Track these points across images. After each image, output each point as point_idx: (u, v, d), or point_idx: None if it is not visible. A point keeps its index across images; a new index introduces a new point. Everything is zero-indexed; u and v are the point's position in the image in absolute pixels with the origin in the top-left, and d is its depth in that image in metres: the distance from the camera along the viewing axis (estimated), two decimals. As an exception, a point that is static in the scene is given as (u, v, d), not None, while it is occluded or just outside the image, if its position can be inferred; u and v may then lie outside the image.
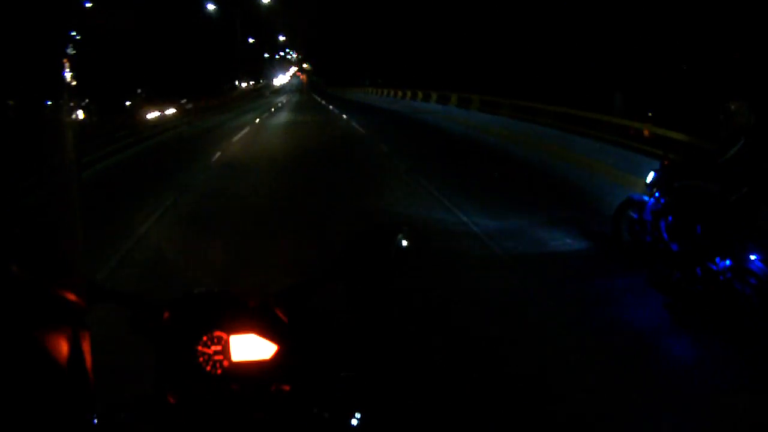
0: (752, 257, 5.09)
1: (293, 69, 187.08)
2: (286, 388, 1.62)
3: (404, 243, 1.83)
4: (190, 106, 36.64)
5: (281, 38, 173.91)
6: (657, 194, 6.62)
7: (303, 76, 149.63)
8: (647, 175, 6.97)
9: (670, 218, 6.31)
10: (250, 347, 1.64)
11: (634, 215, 7.08)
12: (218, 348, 1.64)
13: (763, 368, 4.56)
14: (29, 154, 1.04)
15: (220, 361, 1.64)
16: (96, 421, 1.16)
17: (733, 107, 5.64)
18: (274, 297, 1.75)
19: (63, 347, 1.00)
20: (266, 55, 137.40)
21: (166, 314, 1.69)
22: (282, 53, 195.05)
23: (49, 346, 0.97)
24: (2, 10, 0.95)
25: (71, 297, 1.07)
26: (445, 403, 4.13)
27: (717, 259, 5.43)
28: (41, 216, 1.07)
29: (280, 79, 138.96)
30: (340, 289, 1.84)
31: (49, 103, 1.09)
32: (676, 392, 4.28)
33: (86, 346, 1.07)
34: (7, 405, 0.87)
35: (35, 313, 0.97)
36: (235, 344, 1.63)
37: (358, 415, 1.69)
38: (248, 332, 1.64)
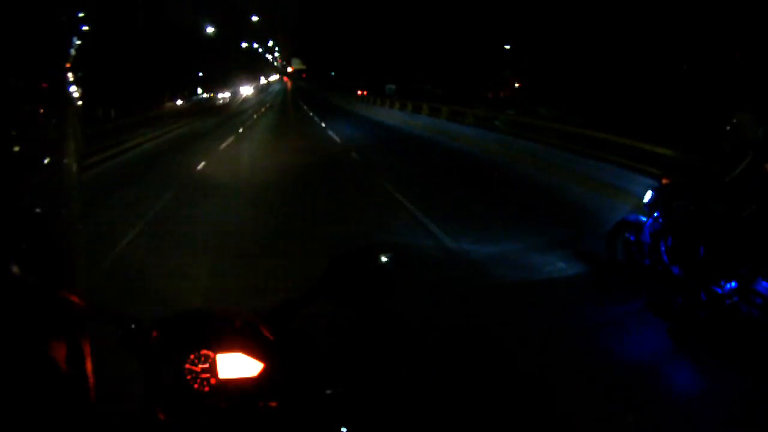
0: (759, 278, 4.95)
1: (275, 77, 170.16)
2: (273, 404, 1.66)
3: (388, 264, 1.83)
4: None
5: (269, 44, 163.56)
6: (656, 214, 6.43)
7: (287, 79, 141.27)
8: (644, 195, 6.76)
9: (670, 240, 6.12)
10: (236, 365, 1.68)
11: (631, 237, 6.87)
12: (205, 366, 1.68)
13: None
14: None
15: (208, 379, 1.68)
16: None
17: (738, 120, 5.42)
18: (260, 316, 1.80)
19: (63, 351, 1.03)
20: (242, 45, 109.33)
21: (155, 333, 1.72)
22: (268, 56, 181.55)
23: (50, 349, 1.00)
24: None
25: (72, 302, 1.11)
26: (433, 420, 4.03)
27: (722, 282, 5.27)
28: (44, 222, 1.06)
29: (258, 86, 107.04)
30: (326, 308, 1.86)
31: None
32: (681, 425, 4.14)
33: (86, 350, 1.11)
34: (8, 406, 0.89)
35: (37, 318, 0.99)
36: (222, 362, 1.67)
37: (344, 430, 1.70)
38: (235, 351, 1.68)
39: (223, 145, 23.13)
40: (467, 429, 3.98)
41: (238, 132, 29.15)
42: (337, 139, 25.23)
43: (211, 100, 56.35)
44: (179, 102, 42.87)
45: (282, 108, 53.84)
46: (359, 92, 56.39)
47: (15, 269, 0.94)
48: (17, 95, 1.06)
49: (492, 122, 23.24)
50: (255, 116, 42.12)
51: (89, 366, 1.12)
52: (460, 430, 3.97)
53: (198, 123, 35.41)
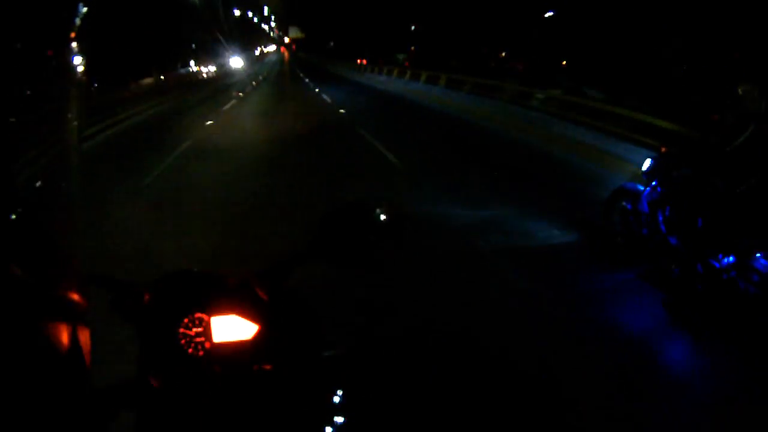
0: (758, 255, 4.89)
1: (272, 47, 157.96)
2: (268, 367, 1.63)
3: (383, 218, 1.81)
4: None
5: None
6: (654, 183, 6.35)
7: (284, 50, 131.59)
8: (643, 163, 6.65)
9: (668, 210, 6.06)
10: (231, 328, 1.64)
11: (628, 205, 6.80)
12: (199, 330, 1.64)
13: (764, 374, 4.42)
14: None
15: (202, 343, 1.64)
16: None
17: (741, 91, 5.29)
18: (254, 276, 1.75)
19: (62, 344, 1.01)
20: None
21: (147, 297, 1.68)
22: (264, 25, 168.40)
23: (48, 342, 0.99)
24: None
25: (71, 294, 1.09)
26: (428, 384, 4.03)
27: (720, 256, 5.21)
28: (41, 212, 1.05)
29: (253, 57, 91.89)
30: (321, 266, 1.83)
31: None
32: (676, 396, 4.11)
33: (85, 343, 1.08)
34: (7, 401, 0.89)
35: (35, 311, 0.97)
36: (216, 325, 1.64)
37: (340, 393, 1.69)
38: (229, 313, 1.64)
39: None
40: (463, 396, 3.93)
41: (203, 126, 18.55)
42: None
43: (191, 75, 45.88)
44: (150, 79, 33.16)
45: (277, 81, 45.35)
46: (358, 60, 54.69)
47: (14, 265, 0.94)
48: (21, 62, 1.03)
49: (528, 100, 19.97)
50: (236, 97, 29.85)
51: (87, 361, 1.09)
52: (456, 396, 3.92)
53: (167, 105, 26.91)
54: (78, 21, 1.15)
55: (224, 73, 55.07)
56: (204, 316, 1.65)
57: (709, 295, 5.28)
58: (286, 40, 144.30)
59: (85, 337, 1.10)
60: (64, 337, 1.03)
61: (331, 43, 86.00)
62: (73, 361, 1.06)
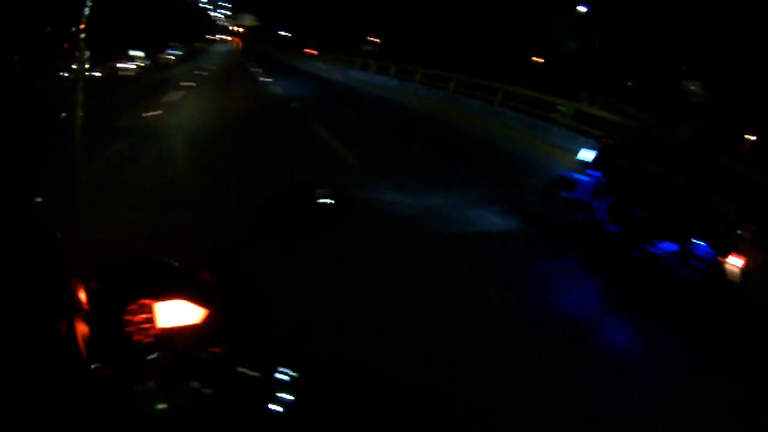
0: (699, 242, 5.08)
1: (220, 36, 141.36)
2: (217, 350, 1.59)
3: (326, 200, 1.83)
4: None
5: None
6: (593, 173, 6.49)
7: (237, 40, 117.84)
8: (580, 153, 6.82)
9: (607, 198, 6.21)
10: (178, 313, 1.60)
11: (567, 194, 6.89)
12: (146, 316, 1.59)
13: (707, 353, 4.61)
14: None
15: (149, 329, 1.58)
16: None
17: (688, 87, 5.45)
18: (199, 259, 1.75)
19: (60, 338, 1.03)
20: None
21: (93, 284, 1.55)
22: (216, 13, 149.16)
23: (46, 337, 1.00)
24: None
25: (69, 288, 1.09)
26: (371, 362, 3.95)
27: (660, 243, 5.38)
28: (41, 209, 1.01)
29: (191, 48, 64.17)
30: (268, 247, 1.80)
31: None
32: (616, 375, 4.19)
33: (83, 338, 1.10)
34: (5, 397, 0.91)
35: (33, 305, 0.98)
36: (163, 311, 1.58)
37: (287, 371, 1.63)
38: (175, 298, 1.59)
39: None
40: (404, 374, 3.70)
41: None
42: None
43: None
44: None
45: (223, 77, 34.06)
46: (306, 50, 53.56)
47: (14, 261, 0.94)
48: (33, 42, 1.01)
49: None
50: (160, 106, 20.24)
51: (85, 356, 1.10)
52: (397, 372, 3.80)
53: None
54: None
55: (160, 66, 46.81)
56: (149, 302, 1.61)
57: (648, 281, 5.42)
58: (239, 29, 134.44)
59: (83, 331, 1.10)
60: (62, 332, 1.04)
61: (288, 33, 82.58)
62: (71, 356, 1.06)
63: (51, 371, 1.03)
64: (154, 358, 1.53)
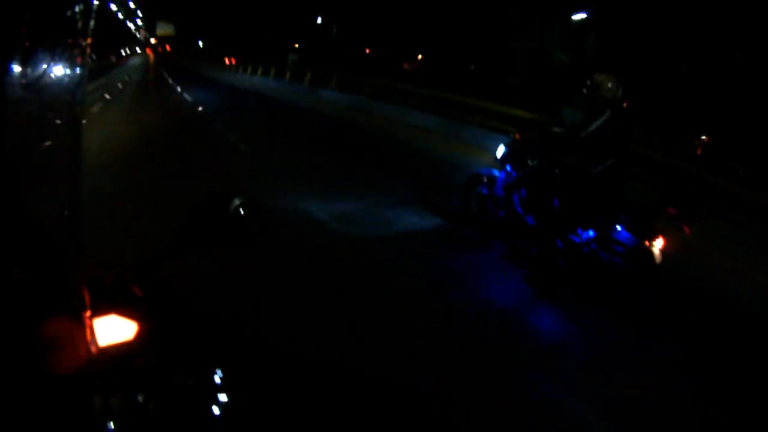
0: (618, 227, 5.21)
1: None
2: (153, 362, 1.62)
3: (240, 211, 1.86)
4: None
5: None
6: (508, 168, 6.59)
7: (151, 54, 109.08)
8: (496, 150, 6.86)
9: (523, 192, 6.33)
10: (112, 328, 1.59)
11: (484, 190, 7.00)
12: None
13: (633, 336, 4.75)
14: None
15: (89, 348, 1.46)
16: None
17: (599, 80, 5.54)
18: (128, 274, 1.76)
19: (62, 344, 1.04)
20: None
21: None
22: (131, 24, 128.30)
23: (47, 340, 1.01)
24: None
25: (71, 292, 1.10)
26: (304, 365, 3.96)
27: (579, 231, 5.50)
28: (43, 215, 1.06)
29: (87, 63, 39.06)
30: (190, 259, 1.83)
31: None
32: (545, 363, 4.25)
33: (84, 341, 1.12)
34: (7, 400, 0.92)
35: (35, 309, 0.99)
36: (99, 327, 1.55)
37: (219, 373, 1.69)
38: (108, 314, 1.59)
39: None
40: (334, 375, 3.89)
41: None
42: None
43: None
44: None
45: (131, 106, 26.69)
46: (226, 60, 50.77)
47: (16, 267, 0.96)
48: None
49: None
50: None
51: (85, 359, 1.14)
52: (327, 374, 3.88)
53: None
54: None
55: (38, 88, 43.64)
56: (87, 319, 1.56)
57: (570, 268, 5.52)
58: (153, 41, 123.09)
59: (84, 334, 1.12)
60: (64, 335, 1.05)
61: (207, 42, 76.82)
62: (73, 360, 1.08)
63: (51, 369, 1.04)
64: (96, 373, 1.49)
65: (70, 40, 1.11)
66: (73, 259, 1.14)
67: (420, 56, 39.91)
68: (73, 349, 1.08)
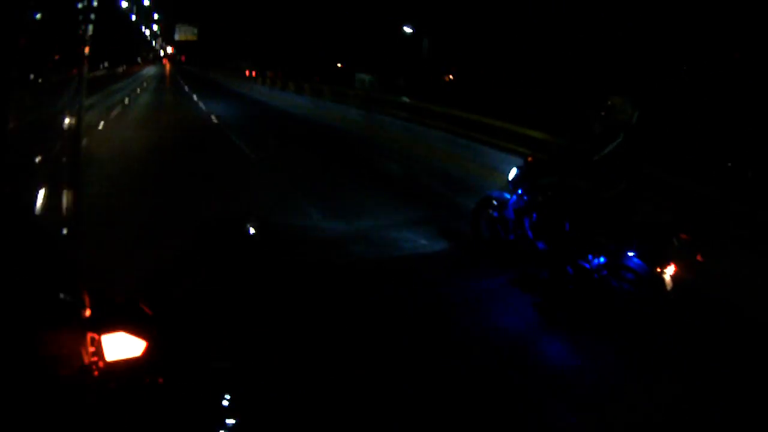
0: (629, 254, 5.11)
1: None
2: (160, 380, 1.63)
3: (251, 231, 1.87)
4: None
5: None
6: (520, 191, 6.50)
7: (168, 64, 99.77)
8: (509, 172, 6.81)
9: (535, 216, 6.23)
10: (121, 345, 1.60)
11: (495, 213, 6.92)
12: (93, 349, 1.57)
13: (645, 364, 4.64)
14: None
15: (96, 363, 1.57)
16: None
17: (612, 102, 5.47)
18: (138, 293, 1.82)
19: (63, 347, 1.13)
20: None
21: None
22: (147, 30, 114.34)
23: (50, 346, 1.07)
24: None
25: (74, 299, 1.18)
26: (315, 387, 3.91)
27: (590, 257, 5.41)
28: (46, 222, 1.09)
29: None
30: (203, 278, 1.89)
31: None
32: (556, 393, 4.14)
33: (86, 346, 1.20)
34: (10, 402, 0.94)
35: (38, 315, 1.02)
36: (107, 344, 1.59)
37: (228, 397, 1.67)
38: (117, 331, 1.61)
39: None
40: (346, 397, 3.83)
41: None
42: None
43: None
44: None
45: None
46: (247, 73, 48.10)
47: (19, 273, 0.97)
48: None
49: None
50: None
51: (87, 361, 1.20)
52: (340, 396, 3.82)
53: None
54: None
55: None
56: (95, 335, 1.60)
57: (580, 295, 5.42)
58: (170, 50, 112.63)
59: (86, 339, 1.18)
60: (66, 340, 1.11)
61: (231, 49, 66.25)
62: (75, 363, 1.13)
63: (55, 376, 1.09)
64: (103, 389, 1.53)
65: (67, 48, 1.13)
66: (75, 269, 1.18)
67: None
68: (73, 359, 1.12)
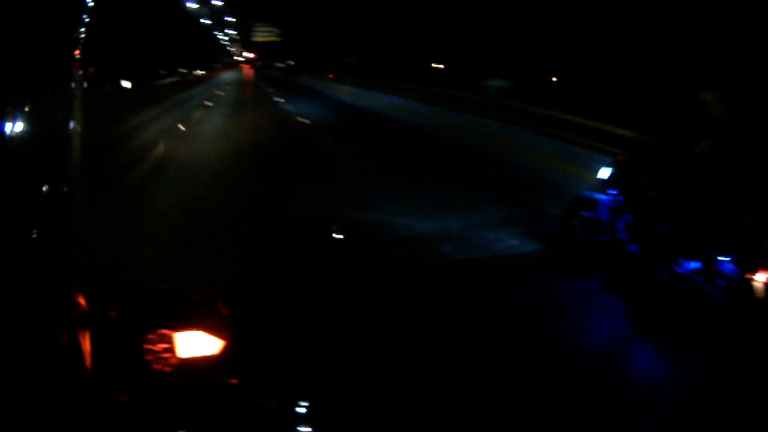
0: (723, 260, 4.90)
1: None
2: (234, 381, 1.63)
3: (338, 236, 1.85)
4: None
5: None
6: (613, 191, 6.34)
7: (248, 69, 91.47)
8: (600, 171, 6.65)
9: (628, 217, 6.04)
10: (196, 343, 1.63)
11: (587, 214, 6.75)
12: (165, 346, 1.62)
13: (737, 374, 4.39)
14: None
15: (168, 359, 1.62)
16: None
17: (704, 99, 5.30)
18: (216, 292, 1.78)
19: (63, 347, 1.05)
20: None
21: (112, 313, 1.64)
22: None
23: (49, 346, 1.02)
24: None
25: (72, 298, 1.12)
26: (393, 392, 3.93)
27: (683, 262, 5.20)
28: (45, 216, 1.05)
29: None
30: (281, 281, 1.85)
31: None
32: (645, 403, 4.03)
33: (86, 346, 1.12)
34: (8, 404, 0.93)
35: (36, 314, 1.00)
36: (181, 341, 1.62)
37: (304, 404, 1.64)
38: (193, 328, 1.63)
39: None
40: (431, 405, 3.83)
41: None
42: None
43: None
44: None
45: None
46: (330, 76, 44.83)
47: (18, 269, 0.97)
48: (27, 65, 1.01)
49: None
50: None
51: (88, 363, 1.14)
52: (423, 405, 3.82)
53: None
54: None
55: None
56: (169, 332, 1.64)
57: (673, 302, 5.25)
58: (251, 55, 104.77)
59: (86, 340, 1.12)
60: (65, 341, 1.06)
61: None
62: (74, 365, 1.08)
63: (52, 379, 1.04)
64: (174, 387, 1.58)
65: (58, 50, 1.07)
66: (70, 267, 1.14)
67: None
68: (72, 359, 1.08)
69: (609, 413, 3.94)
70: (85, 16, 1.11)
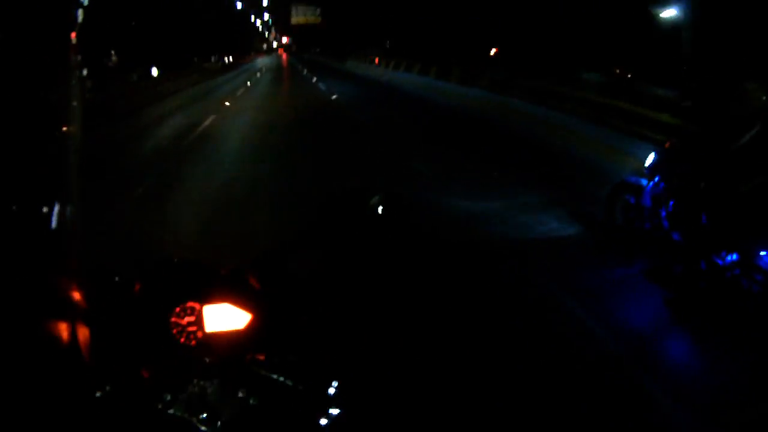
0: (762, 253, 4.78)
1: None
2: (261, 357, 1.56)
3: (380, 209, 1.77)
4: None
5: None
6: (657, 178, 6.21)
7: (283, 54, 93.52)
8: (647, 158, 6.47)
9: (671, 205, 5.92)
10: (223, 317, 1.62)
11: (631, 199, 6.65)
12: (192, 319, 1.63)
13: None
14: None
15: (194, 332, 1.63)
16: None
17: (749, 88, 5.20)
18: (247, 264, 1.74)
19: (62, 342, 1.03)
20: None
21: (138, 286, 1.65)
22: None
23: (48, 341, 1.01)
24: None
25: (71, 292, 1.10)
26: (425, 374, 3.93)
27: (723, 253, 5.10)
28: (41, 210, 1.02)
29: None
30: (317, 255, 1.83)
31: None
32: (679, 394, 3.96)
33: (85, 341, 1.10)
34: (7, 400, 0.92)
35: (34, 309, 0.99)
36: (209, 314, 1.62)
37: (335, 384, 1.58)
38: (221, 302, 1.62)
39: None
40: (460, 392, 3.80)
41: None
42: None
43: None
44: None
45: None
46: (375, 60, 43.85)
47: (16, 263, 0.95)
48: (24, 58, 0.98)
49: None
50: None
51: (87, 358, 1.10)
52: (452, 392, 3.80)
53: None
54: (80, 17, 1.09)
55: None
56: (196, 305, 1.64)
57: (711, 293, 5.17)
58: (285, 40, 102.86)
59: (84, 335, 1.11)
60: (64, 336, 1.04)
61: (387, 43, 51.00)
62: (73, 360, 1.07)
63: (51, 372, 1.03)
64: (199, 361, 1.52)
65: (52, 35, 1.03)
66: (68, 259, 1.12)
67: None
68: (68, 352, 1.06)
69: (636, 396, 3.92)
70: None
